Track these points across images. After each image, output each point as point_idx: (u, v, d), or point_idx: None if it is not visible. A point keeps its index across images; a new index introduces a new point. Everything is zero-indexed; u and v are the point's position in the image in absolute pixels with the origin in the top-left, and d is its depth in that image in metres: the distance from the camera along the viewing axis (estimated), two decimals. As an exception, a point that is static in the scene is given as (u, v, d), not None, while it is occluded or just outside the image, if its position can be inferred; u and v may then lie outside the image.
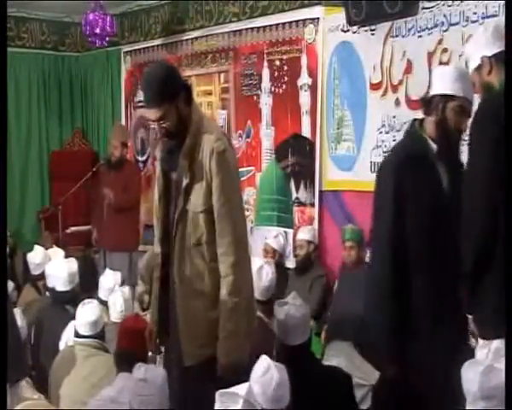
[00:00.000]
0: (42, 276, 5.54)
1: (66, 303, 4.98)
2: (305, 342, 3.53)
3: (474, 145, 3.14)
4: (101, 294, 5.14)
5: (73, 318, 4.36)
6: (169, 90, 3.19)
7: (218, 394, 2.84)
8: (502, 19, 3.75)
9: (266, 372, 2.91)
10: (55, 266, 5.25)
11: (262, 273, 4.13)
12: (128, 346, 3.60)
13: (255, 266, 4.23)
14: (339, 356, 4.74)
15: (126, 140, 7.60)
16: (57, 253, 5.93)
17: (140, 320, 3.86)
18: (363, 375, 4.44)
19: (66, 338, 4.36)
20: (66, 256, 5.83)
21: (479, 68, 3.28)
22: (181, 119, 3.25)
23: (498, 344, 2.93)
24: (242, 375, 2.99)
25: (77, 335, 4.12)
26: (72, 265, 5.16)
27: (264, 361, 2.96)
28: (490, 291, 3.05)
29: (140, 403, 2.89)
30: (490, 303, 3.05)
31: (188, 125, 3.26)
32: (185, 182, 3.26)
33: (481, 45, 3.31)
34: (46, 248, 6.07)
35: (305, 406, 3.30)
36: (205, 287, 3.23)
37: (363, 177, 6.04)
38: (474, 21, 5.26)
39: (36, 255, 5.79)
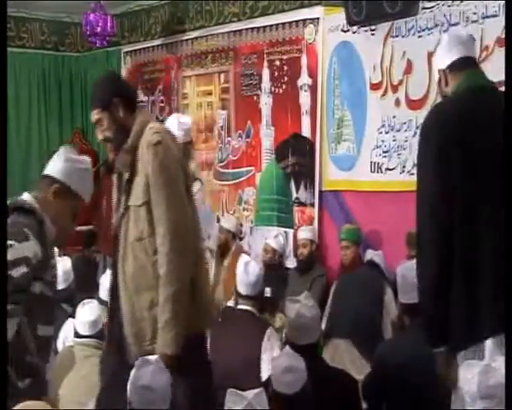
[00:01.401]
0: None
1: (61, 302, 4.97)
2: (314, 343, 3.53)
3: (419, 159, 3.14)
4: (102, 294, 5.13)
5: (70, 316, 4.36)
6: (101, 97, 3.34)
7: (228, 393, 2.89)
8: (464, 28, 3.75)
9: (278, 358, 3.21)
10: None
11: (248, 269, 4.16)
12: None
13: (242, 261, 4.27)
14: (337, 354, 4.76)
15: None
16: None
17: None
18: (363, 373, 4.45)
19: (64, 337, 4.35)
20: (67, 256, 5.83)
21: (438, 82, 3.29)
22: (119, 125, 3.30)
23: (490, 345, 2.88)
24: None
25: (76, 335, 4.11)
26: (66, 263, 5.16)
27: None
28: (456, 306, 2.91)
29: (141, 404, 2.88)
30: (456, 317, 2.92)
31: (128, 133, 3.28)
32: (126, 177, 3.29)
33: (437, 59, 3.37)
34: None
35: (310, 406, 3.32)
36: (149, 282, 3.17)
37: (363, 177, 6.04)
38: (474, 21, 5.26)
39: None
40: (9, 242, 2.73)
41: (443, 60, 3.28)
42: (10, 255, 2.70)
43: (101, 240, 7.49)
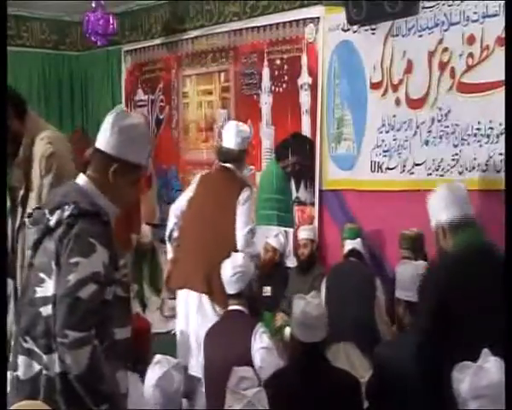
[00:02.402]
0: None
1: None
2: (319, 342, 3.54)
3: (418, 308, 3.47)
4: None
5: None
6: None
7: (227, 392, 2.89)
8: (457, 184, 3.86)
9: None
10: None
11: (230, 265, 4.27)
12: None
13: (227, 262, 4.33)
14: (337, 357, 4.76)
15: None
16: None
17: (141, 320, 3.87)
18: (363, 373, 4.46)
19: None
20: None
21: (436, 236, 3.50)
22: (11, 136, 3.20)
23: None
24: None
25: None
26: None
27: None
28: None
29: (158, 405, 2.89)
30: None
31: (20, 140, 3.23)
32: (21, 193, 3.22)
33: (437, 210, 3.50)
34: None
35: (312, 404, 3.33)
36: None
37: (364, 176, 6.05)
38: (474, 21, 5.26)
39: None
40: (75, 259, 2.46)
41: (443, 213, 3.48)
42: (77, 274, 2.44)
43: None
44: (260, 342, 4.00)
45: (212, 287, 4.72)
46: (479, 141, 5.27)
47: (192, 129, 7.93)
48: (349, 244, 5.64)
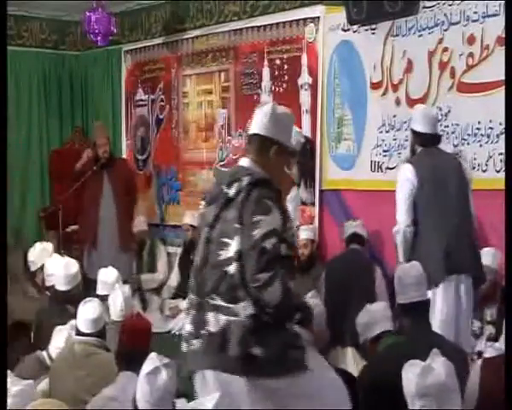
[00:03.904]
0: (39, 272, 5.55)
1: (66, 303, 4.98)
2: None
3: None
4: (101, 290, 5.14)
5: (73, 317, 4.37)
6: None
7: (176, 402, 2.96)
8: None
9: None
10: (56, 265, 5.26)
11: None
12: (129, 345, 3.61)
13: None
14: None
15: (108, 136, 7.82)
16: (49, 248, 5.95)
17: (141, 319, 3.87)
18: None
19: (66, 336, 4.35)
20: (67, 255, 5.84)
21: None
22: None
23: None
24: None
25: (78, 333, 4.12)
26: (73, 266, 5.17)
27: None
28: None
29: (147, 404, 2.89)
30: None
31: None
32: None
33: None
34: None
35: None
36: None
37: (364, 176, 6.05)
38: (474, 21, 5.27)
39: (32, 252, 5.80)
40: (257, 218, 2.89)
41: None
42: (261, 229, 2.87)
43: (85, 237, 7.53)
44: None
45: None
46: (479, 141, 5.28)
47: (192, 129, 7.93)
48: (350, 228, 5.67)
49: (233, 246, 2.95)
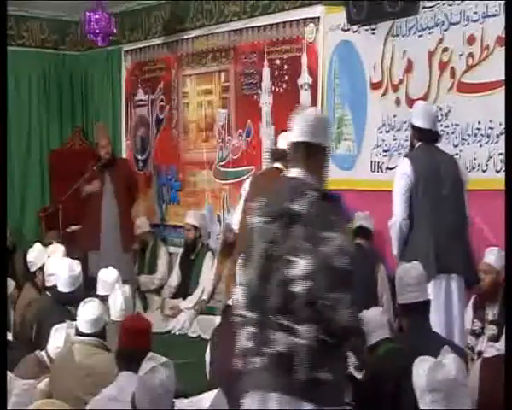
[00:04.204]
0: (38, 272, 5.55)
1: (67, 304, 4.98)
2: None
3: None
4: (101, 290, 5.14)
5: (74, 318, 4.37)
6: None
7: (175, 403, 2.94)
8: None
9: None
10: (57, 266, 5.26)
11: None
12: (129, 345, 3.60)
13: None
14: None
15: (109, 137, 7.84)
16: (57, 249, 5.94)
17: (141, 319, 3.87)
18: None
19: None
20: (66, 255, 5.83)
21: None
22: None
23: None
24: None
25: (77, 333, 4.12)
26: (76, 267, 5.17)
27: None
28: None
29: (145, 403, 2.88)
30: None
31: None
32: None
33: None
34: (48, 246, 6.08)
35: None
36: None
37: (364, 176, 6.05)
38: (474, 21, 5.27)
39: (32, 252, 5.80)
40: (324, 234, 2.82)
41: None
42: (330, 246, 2.80)
43: (88, 237, 7.53)
44: None
45: None
46: (479, 141, 5.28)
47: (192, 129, 7.93)
48: (358, 219, 5.67)
49: (300, 264, 2.85)
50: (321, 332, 2.81)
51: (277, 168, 5.34)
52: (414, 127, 4.76)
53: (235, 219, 5.64)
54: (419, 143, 4.71)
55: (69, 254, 5.98)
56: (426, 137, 4.70)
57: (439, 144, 4.83)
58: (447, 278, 4.51)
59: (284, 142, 5.39)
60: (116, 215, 7.43)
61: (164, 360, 3.02)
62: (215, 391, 3.08)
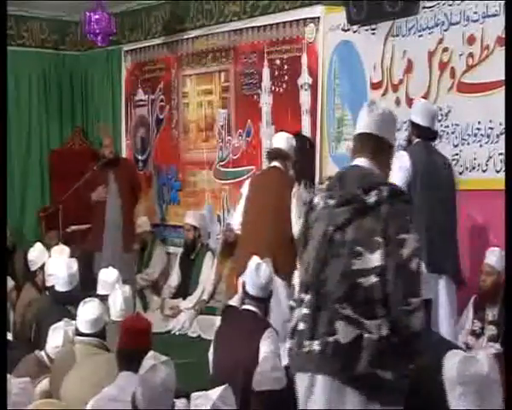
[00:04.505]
0: (39, 272, 5.55)
1: (66, 303, 4.98)
2: None
3: None
4: (101, 290, 5.14)
5: (73, 318, 4.37)
6: None
7: (192, 397, 2.92)
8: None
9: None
10: (56, 266, 5.26)
11: (260, 271, 4.19)
12: (129, 345, 3.60)
13: (254, 262, 4.29)
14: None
15: (112, 137, 7.86)
16: (63, 250, 5.94)
17: (141, 319, 3.87)
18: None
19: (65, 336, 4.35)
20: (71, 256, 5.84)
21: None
22: None
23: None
24: None
25: (78, 333, 4.12)
26: (73, 265, 5.17)
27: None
28: None
29: (145, 402, 2.88)
30: None
31: None
32: None
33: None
34: (51, 246, 6.08)
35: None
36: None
37: (364, 176, 6.04)
38: (474, 21, 5.27)
39: (33, 252, 5.80)
40: (402, 236, 2.81)
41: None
42: (408, 249, 2.80)
43: (93, 237, 7.52)
44: (267, 346, 3.99)
45: (275, 254, 4.99)
46: (479, 141, 5.28)
47: (192, 129, 7.93)
48: None
49: (373, 260, 2.81)
50: (389, 331, 2.79)
51: (275, 167, 5.38)
52: (413, 124, 4.79)
53: (235, 220, 5.66)
54: (417, 140, 4.74)
55: (72, 254, 5.99)
56: (424, 135, 4.74)
57: (438, 146, 4.84)
58: (436, 278, 4.52)
59: (279, 141, 5.46)
60: (119, 215, 7.42)
61: (164, 358, 3.03)
62: (223, 386, 3.09)
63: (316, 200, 3.00)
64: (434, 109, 5.02)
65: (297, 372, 2.95)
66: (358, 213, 2.86)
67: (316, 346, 2.83)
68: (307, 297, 2.91)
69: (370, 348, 2.77)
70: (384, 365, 2.79)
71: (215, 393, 3.00)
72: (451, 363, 2.74)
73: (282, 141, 5.50)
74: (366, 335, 2.78)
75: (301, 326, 2.90)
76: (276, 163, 5.41)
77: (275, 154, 5.44)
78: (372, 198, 2.85)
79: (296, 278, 3.08)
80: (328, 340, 2.80)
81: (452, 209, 4.70)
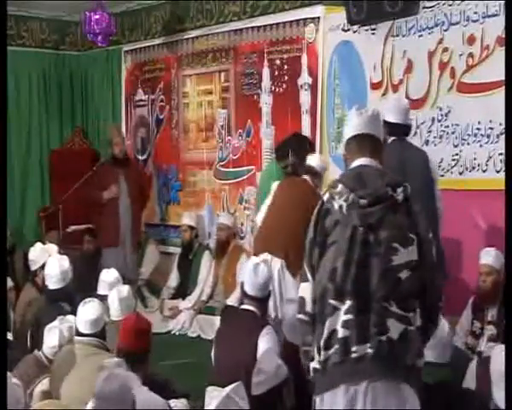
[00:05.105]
0: (39, 272, 5.55)
1: (59, 301, 4.98)
2: None
3: None
4: (101, 290, 5.14)
5: (68, 314, 4.38)
6: None
7: (208, 390, 2.93)
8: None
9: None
10: (48, 265, 5.25)
11: (258, 271, 4.19)
12: (129, 345, 3.61)
13: (252, 262, 4.29)
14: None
15: (123, 137, 7.85)
16: (51, 249, 5.94)
17: (141, 319, 3.87)
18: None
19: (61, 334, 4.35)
20: (67, 255, 5.83)
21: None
22: None
23: None
24: None
25: (77, 333, 4.12)
26: (64, 262, 5.16)
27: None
28: None
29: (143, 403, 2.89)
30: None
31: None
32: None
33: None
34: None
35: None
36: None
37: (364, 176, 6.04)
38: (474, 21, 5.27)
39: (33, 252, 5.80)
40: (429, 233, 2.96)
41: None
42: (434, 246, 2.97)
43: (107, 236, 7.51)
44: (265, 343, 3.99)
45: (288, 255, 4.92)
46: (479, 141, 5.28)
47: (192, 129, 7.93)
48: None
49: (407, 254, 2.87)
50: (423, 322, 2.91)
51: (306, 180, 5.38)
52: (385, 122, 4.74)
53: (259, 217, 5.66)
54: (391, 139, 4.70)
55: (73, 254, 5.99)
56: (397, 132, 4.71)
57: (438, 146, 4.83)
58: None
59: (314, 160, 5.47)
60: (129, 215, 7.43)
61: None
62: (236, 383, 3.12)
63: (332, 203, 2.94)
64: (405, 104, 4.99)
65: (340, 385, 2.83)
66: (389, 210, 2.89)
67: (368, 349, 2.81)
68: (347, 303, 2.85)
69: (415, 340, 2.86)
70: (419, 354, 2.89)
71: (229, 387, 3.00)
72: (500, 358, 2.88)
73: (316, 160, 5.52)
74: (410, 328, 2.85)
75: (344, 333, 2.83)
76: (307, 177, 5.41)
77: (308, 170, 5.45)
78: (400, 195, 2.90)
79: (304, 290, 2.93)
80: (381, 339, 2.81)
81: (431, 204, 4.58)
